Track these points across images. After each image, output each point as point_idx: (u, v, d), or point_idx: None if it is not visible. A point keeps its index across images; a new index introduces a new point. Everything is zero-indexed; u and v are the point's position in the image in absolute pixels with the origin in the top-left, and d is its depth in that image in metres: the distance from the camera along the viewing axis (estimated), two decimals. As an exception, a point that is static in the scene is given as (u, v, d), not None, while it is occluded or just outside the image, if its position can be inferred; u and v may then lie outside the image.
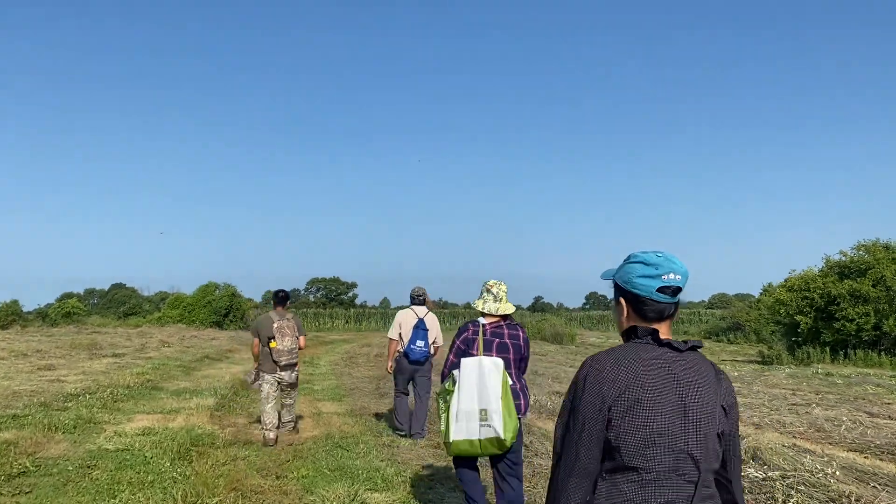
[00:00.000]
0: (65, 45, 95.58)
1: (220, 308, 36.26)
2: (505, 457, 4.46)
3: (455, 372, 4.34)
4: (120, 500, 5.71)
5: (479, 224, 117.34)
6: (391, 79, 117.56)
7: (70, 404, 10.29)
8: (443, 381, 4.47)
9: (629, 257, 2.03)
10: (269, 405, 8.02)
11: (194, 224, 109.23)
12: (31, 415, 9.32)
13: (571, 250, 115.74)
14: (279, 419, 8.27)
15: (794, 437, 8.73)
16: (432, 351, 8.65)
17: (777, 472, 6.35)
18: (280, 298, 8.34)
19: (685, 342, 1.91)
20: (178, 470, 6.68)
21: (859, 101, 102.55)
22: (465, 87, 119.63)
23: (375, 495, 5.94)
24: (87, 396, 10.95)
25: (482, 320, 4.53)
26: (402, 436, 8.53)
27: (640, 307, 1.95)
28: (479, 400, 4.22)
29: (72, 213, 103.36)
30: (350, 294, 70.89)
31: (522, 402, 4.54)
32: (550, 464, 2.15)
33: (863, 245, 24.61)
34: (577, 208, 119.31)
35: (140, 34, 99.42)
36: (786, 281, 26.74)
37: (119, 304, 52.01)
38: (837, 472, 6.31)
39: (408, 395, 8.77)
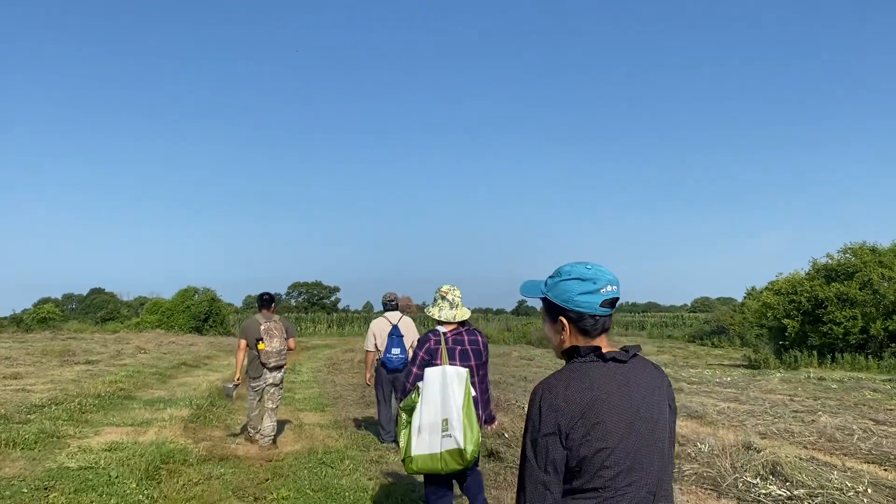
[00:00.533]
0: (29, 45, 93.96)
1: (200, 313, 35.30)
2: (471, 478, 4.36)
3: (420, 384, 4.15)
4: (75, 531, 5.01)
5: (461, 227, 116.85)
6: (370, 81, 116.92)
7: (33, 416, 9.51)
8: (405, 395, 4.24)
9: (560, 274, 1.96)
10: (256, 412, 8.07)
11: (175, 228, 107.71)
12: (-11, 429, 8.56)
13: (553, 253, 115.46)
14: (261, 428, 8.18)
15: (805, 447, 8.20)
16: (410, 355, 8.15)
17: (803, 490, 5.78)
18: (265, 301, 8.15)
19: (626, 351, 1.88)
20: (145, 492, 5.99)
21: (838, 103, 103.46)
22: (447, 87, 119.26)
23: (365, 521, 5.30)
24: (53, 407, 10.17)
25: (441, 328, 4.33)
26: (392, 441, 8.09)
27: (583, 325, 1.89)
28: (441, 411, 4.06)
29: (50, 216, 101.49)
30: (332, 298, 69.98)
31: (482, 413, 4.44)
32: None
33: (849, 248, 24.33)
34: (558, 211, 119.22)
35: (107, 34, 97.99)
36: (772, 284, 26.42)
37: (97, 309, 50.76)
38: (869, 490, 5.76)
39: (390, 403, 8.45)
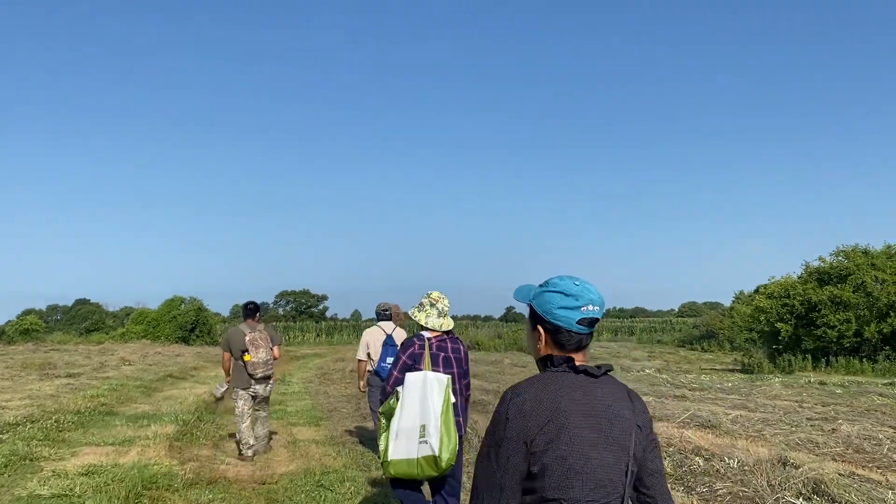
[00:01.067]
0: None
1: (186, 323, 34.31)
2: (445, 482, 4.22)
3: (399, 388, 4.08)
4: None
5: (449, 235, 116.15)
6: (360, 87, 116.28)
7: (5, 436, 8.73)
8: (385, 398, 4.15)
9: (547, 284, 1.96)
10: (245, 423, 7.76)
11: (162, 237, 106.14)
12: (-45, 451, 7.77)
13: (541, 260, 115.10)
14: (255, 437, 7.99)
15: (835, 459, 7.61)
16: None
17: (856, 513, 5.18)
18: (250, 310, 7.99)
19: (599, 367, 1.89)
20: (124, 525, 5.27)
21: (825, 107, 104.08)
22: (438, 95, 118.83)
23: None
24: (28, 426, 9.38)
25: (426, 334, 4.27)
26: None
27: (559, 338, 1.90)
28: (420, 416, 3.98)
29: (34, 226, 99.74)
30: (321, 307, 69.02)
31: (461, 420, 4.38)
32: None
33: (842, 251, 23.99)
34: (544, 218, 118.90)
35: (85, 40, 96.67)
36: (765, 288, 26.03)
37: (82, 320, 49.56)
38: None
39: None
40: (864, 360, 21.45)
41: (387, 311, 8.18)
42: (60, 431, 9.24)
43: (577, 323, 1.87)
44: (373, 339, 7.88)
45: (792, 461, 6.50)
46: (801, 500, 5.60)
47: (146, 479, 6.56)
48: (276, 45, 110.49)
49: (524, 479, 1.75)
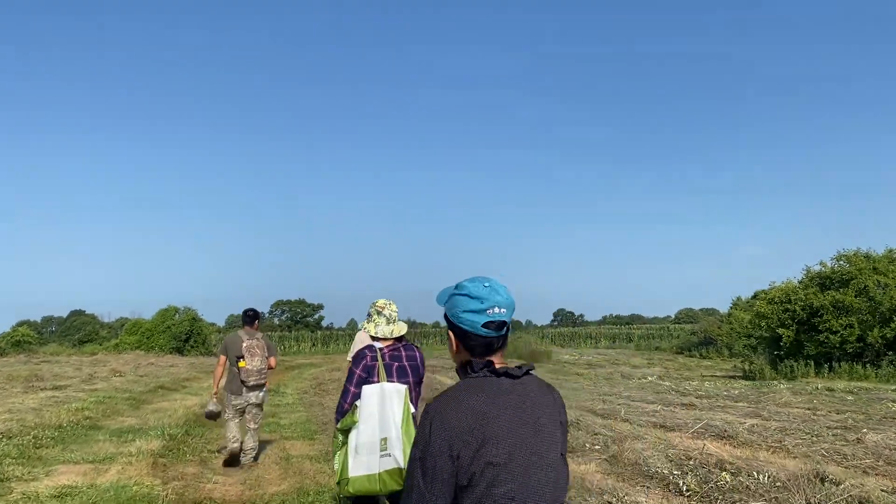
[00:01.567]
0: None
1: (181, 333, 33.53)
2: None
3: (357, 403, 3.88)
4: None
5: (444, 241, 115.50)
6: (354, 93, 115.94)
7: (-23, 454, 8.07)
8: (342, 415, 3.92)
9: (457, 287, 1.89)
10: (234, 422, 7.72)
11: (157, 248, 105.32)
12: (-80, 472, 7.11)
13: (537, 266, 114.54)
14: (242, 445, 7.84)
15: (866, 472, 7.01)
16: None
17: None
18: (249, 317, 7.87)
19: (520, 367, 1.82)
20: (93, 557, 4.63)
21: (820, 114, 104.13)
22: (428, 100, 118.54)
23: None
24: (4, 442, 8.72)
25: (377, 344, 4.09)
26: None
27: (467, 342, 1.83)
28: (380, 430, 3.79)
29: (29, 238, 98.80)
30: (316, 316, 68.14)
31: None
32: None
33: (843, 255, 23.46)
34: (540, 224, 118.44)
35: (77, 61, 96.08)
36: (765, 293, 25.49)
37: (76, 331, 48.69)
38: None
39: None
40: (868, 365, 20.92)
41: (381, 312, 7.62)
42: (38, 448, 8.58)
43: (482, 326, 1.80)
44: (366, 341, 7.32)
45: (831, 476, 5.90)
46: (846, 521, 5.01)
47: (124, 502, 5.92)
48: (269, 54, 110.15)
49: (455, 492, 1.68)
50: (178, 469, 7.60)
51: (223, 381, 7.96)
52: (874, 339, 21.33)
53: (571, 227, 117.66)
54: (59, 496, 6.29)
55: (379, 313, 4.20)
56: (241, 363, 7.51)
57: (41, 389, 14.83)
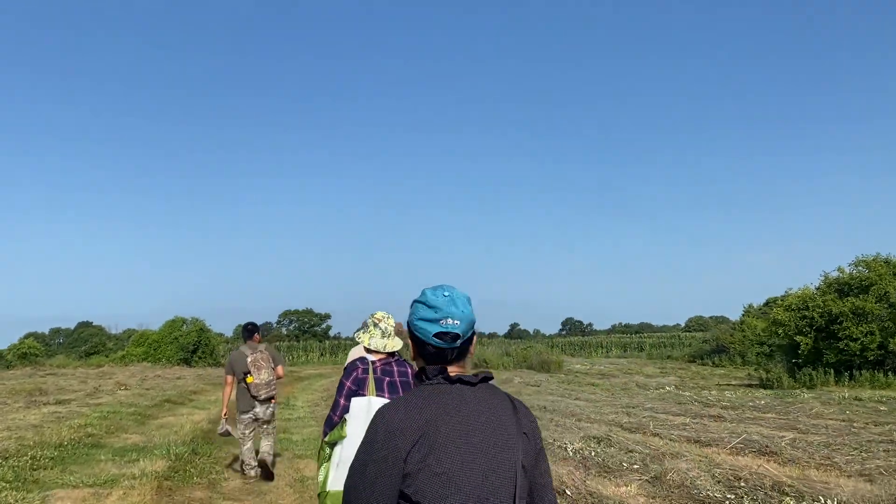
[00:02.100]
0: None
1: (188, 344, 32.89)
2: None
3: (346, 416, 3.74)
4: None
5: (453, 250, 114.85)
6: (357, 101, 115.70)
7: (-31, 478, 7.44)
8: (331, 428, 3.75)
9: (421, 293, 1.86)
10: (247, 445, 7.61)
11: (165, 259, 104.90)
12: None
13: (546, 275, 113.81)
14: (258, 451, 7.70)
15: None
16: None
17: None
18: (249, 331, 7.77)
19: (476, 375, 1.77)
20: None
21: (828, 124, 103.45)
22: (436, 105, 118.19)
23: None
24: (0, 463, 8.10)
25: (370, 357, 3.99)
26: None
27: (422, 350, 1.81)
28: None
29: (39, 250, 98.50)
30: (324, 325, 67.44)
31: None
32: None
33: (862, 260, 22.77)
34: (549, 233, 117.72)
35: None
36: (781, 300, 24.82)
37: (84, 343, 48.09)
38: None
39: None
40: (890, 373, 20.23)
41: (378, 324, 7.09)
42: (35, 470, 7.94)
43: (434, 336, 1.77)
44: (362, 353, 6.79)
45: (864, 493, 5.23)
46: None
47: (123, 536, 5.28)
48: (279, 68, 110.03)
49: (398, 500, 1.62)
50: (185, 493, 6.97)
51: (233, 398, 7.66)
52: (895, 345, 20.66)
53: (578, 236, 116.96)
54: (53, 527, 5.65)
55: (376, 325, 4.09)
56: (249, 378, 7.39)
57: (44, 404, 14.19)
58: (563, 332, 77.76)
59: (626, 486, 6.79)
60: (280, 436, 10.31)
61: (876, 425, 11.12)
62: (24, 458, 8.40)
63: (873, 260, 22.48)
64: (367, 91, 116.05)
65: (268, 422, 7.66)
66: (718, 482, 6.67)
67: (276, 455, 8.09)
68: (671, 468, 7.02)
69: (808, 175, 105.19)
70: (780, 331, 23.88)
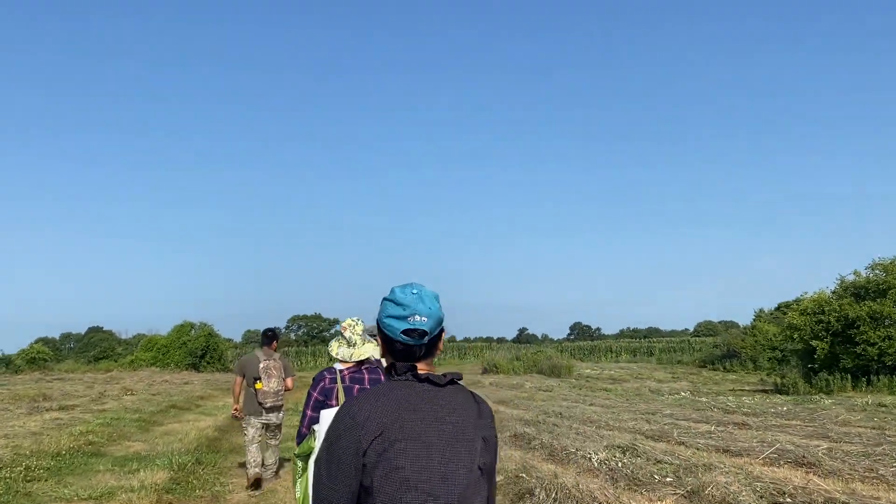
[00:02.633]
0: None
1: (196, 349, 32.40)
2: None
3: (315, 427, 3.51)
4: None
5: (462, 255, 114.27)
6: (359, 105, 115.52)
7: (-42, 490, 6.91)
8: (301, 440, 3.56)
9: (390, 292, 1.85)
10: (254, 446, 7.39)
11: (175, 264, 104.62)
12: None
13: (554, 280, 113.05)
14: (263, 461, 7.55)
15: None
16: None
17: None
18: (268, 337, 7.53)
19: (444, 375, 1.76)
20: None
21: (833, 133, 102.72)
22: (438, 103, 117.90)
23: None
24: (-8, 475, 7.56)
25: (338, 366, 3.80)
26: None
27: (391, 347, 1.80)
28: None
29: (49, 255, 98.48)
30: (332, 331, 67.02)
31: None
32: None
33: (879, 264, 22.13)
34: (557, 236, 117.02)
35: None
36: (797, 304, 24.18)
37: (94, 348, 47.68)
38: None
39: None
40: (909, 378, 19.56)
41: (375, 336, 6.61)
42: (28, 482, 7.40)
43: (401, 333, 1.76)
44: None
45: None
46: None
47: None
48: (284, 70, 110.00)
49: (358, 493, 1.63)
50: (186, 507, 6.43)
51: (242, 399, 7.45)
52: (915, 350, 20.00)
53: (586, 241, 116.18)
54: (39, 548, 5.11)
55: (342, 334, 3.89)
56: (258, 385, 7.21)
57: (46, 410, 13.67)
58: (571, 337, 76.98)
59: (661, 500, 6.21)
60: (286, 444, 9.76)
61: (909, 433, 10.50)
62: (19, 468, 7.86)
63: (891, 263, 21.83)
64: (364, 94, 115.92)
65: (277, 427, 7.59)
66: (762, 497, 6.08)
67: (279, 465, 7.95)
68: (709, 481, 6.42)
69: (814, 180, 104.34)
70: (796, 335, 23.22)
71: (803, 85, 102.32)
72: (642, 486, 6.74)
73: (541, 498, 5.89)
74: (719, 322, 60.69)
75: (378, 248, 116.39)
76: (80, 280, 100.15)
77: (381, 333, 1.83)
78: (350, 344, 3.87)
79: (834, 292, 23.01)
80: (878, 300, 20.96)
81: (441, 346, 1.86)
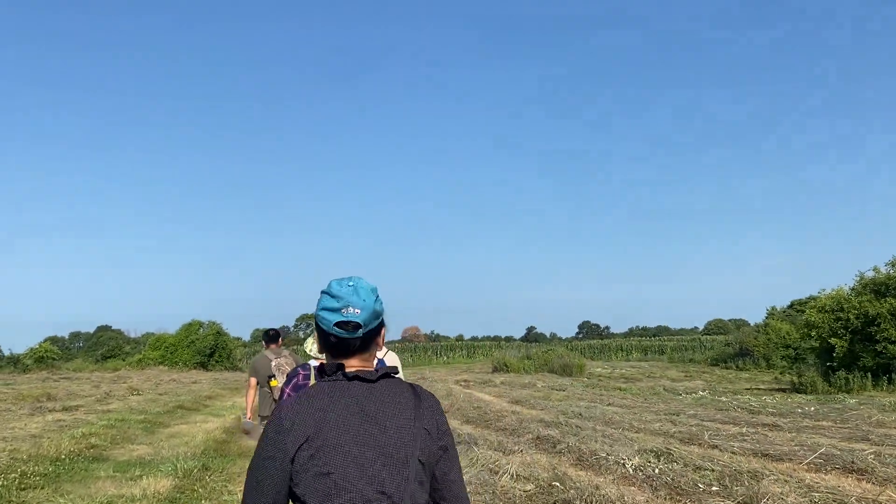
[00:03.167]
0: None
1: (205, 348, 31.91)
2: None
3: None
4: None
5: (471, 254, 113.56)
6: (365, 107, 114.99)
7: (-53, 500, 6.34)
8: None
9: (327, 285, 1.75)
10: None
11: (183, 264, 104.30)
12: None
13: (562, 279, 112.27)
14: None
15: None
16: None
17: None
18: (271, 337, 7.38)
19: (376, 370, 1.67)
20: None
21: (838, 136, 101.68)
22: (452, 114, 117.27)
23: None
24: (-15, 482, 7.00)
25: (313, 362, 3.65)
26: None
27: (326, 340, 1.71)
28: None
29: (59, 255, 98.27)
30: (308, 329, 66.57)
31: None
32: None
33: (899, 260, 21.41)
34: (565, 237, 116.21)
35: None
36: (814, 301, 23.48)
37: (102, 346, 47.23)
38: None
39: None
40: (931, 377, 18.90)
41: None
42: (23, 490, 6.83)
43: (335, 325, 1.66)
44: None
45: None
46: None
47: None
48: (287, 71, 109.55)
49: (286, 499, 1.54)
50: (190, 519, 5.85)
51: (255, 403, 7.01)
52: (937, 348, 19.33)
53: (594, 240, 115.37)
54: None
55: (314, 332, 3.30)
56: (273, 382, 6.95)
57: (49, 411, 13.12)
58: (580, 336, 76.18)
59: (710, 513, 5.59)
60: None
61: (952, 435, 9.85)
62: (14, 475, 7.30)
63: (913, 259, 21.13)
64: (366, 95, 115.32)
65: None
66: (823, 510, 5.46)
67: None
68: (762, 492, 5.80)
69: (822, 180, 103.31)
70: (814, 333, 22.54)
71: (805, 84, 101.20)
72: (686, 496, 6.13)
73: None
74: (729, 320, 59.85)
75: (387, 247, 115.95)
76: (89, 280, 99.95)
77: (317, 327, 1.74)
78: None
79: (853, 289, 22.31)
80: (900, 297, 20.26)
81: (381, 341, 1.75)
